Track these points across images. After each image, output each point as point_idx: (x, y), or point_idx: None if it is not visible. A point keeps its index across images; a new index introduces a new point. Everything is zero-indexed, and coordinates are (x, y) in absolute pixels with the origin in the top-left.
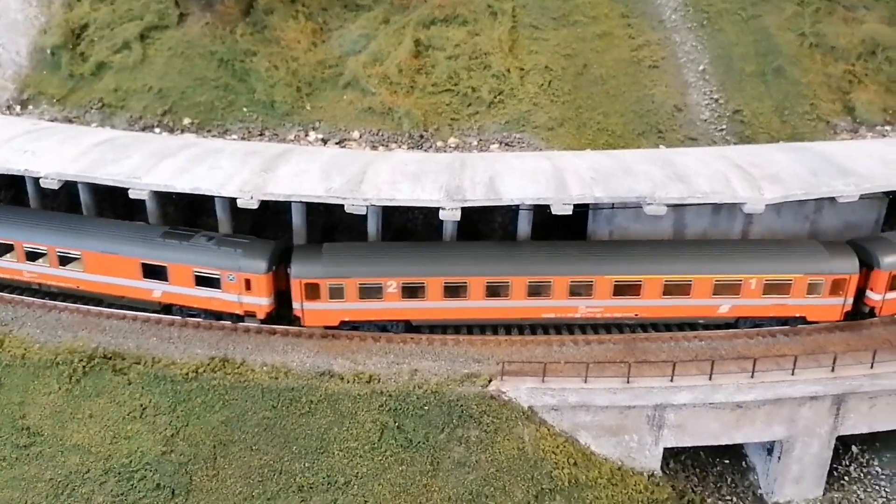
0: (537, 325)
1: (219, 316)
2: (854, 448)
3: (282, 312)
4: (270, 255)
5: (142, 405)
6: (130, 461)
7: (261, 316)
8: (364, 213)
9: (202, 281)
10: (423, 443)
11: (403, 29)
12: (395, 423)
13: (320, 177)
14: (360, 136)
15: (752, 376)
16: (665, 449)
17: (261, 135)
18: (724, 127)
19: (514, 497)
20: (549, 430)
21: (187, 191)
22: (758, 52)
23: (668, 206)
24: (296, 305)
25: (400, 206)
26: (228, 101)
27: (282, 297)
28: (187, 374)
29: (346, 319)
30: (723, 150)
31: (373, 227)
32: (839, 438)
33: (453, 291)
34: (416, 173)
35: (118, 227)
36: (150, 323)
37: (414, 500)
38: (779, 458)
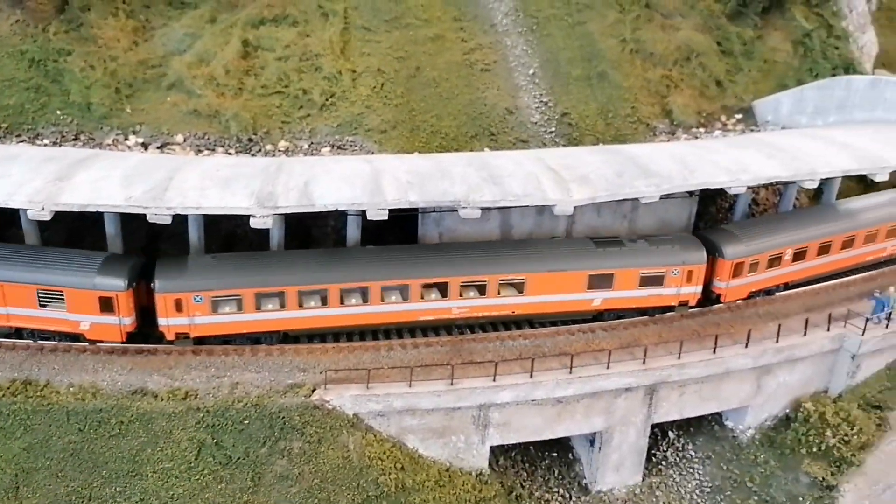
0: (366, 332)
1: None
2: (671, 434)
3: None
4: (702, 246)
5: None
6: None
7: (692, 303)
8: (169, 222)
9: (646, 281)
10: (244, 458)
11: (231, 28)
12: (213, 439)
13: (122, 184)
14: (185, 140)
15: (570, 372)
16: (494, 447)
17: (76, 139)
18: (553, 129)
19: None
20: (375, 436)
21: None
22: (583, 57)
23: (483, 208)
24: (721, 285)
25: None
26: (40, 103)
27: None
28: None
29: (753, 290)
30: (538, 153)
31: (194, 235)
32: (657, 425)
33: (823, 251)
34: (227, 179)
35: (554, 246)
36: None
37: None
38: (599, 448)
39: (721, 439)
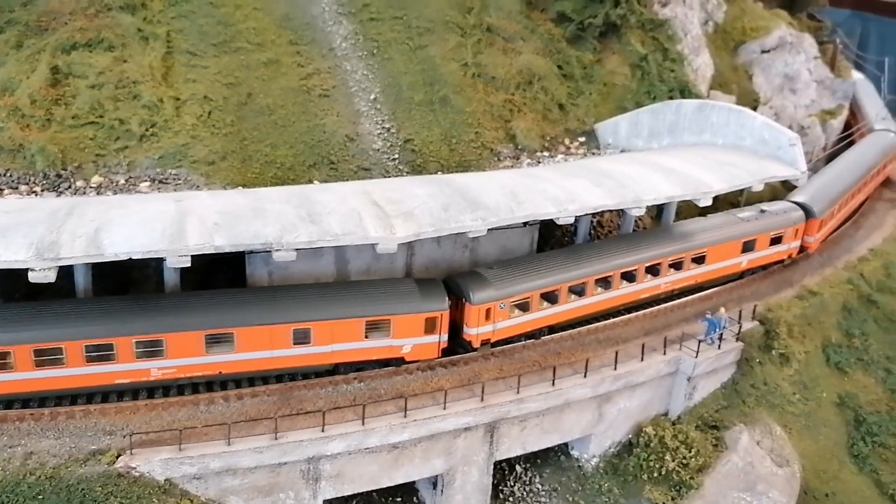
0: (184, 385)
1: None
2: (518, 468)
3: None
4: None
5: None
6: None
7: (793, 256)
8: None
9: (774, 240)
10: None
11: (39, 54)
12: None
13: None
14: None
15: (405, 416)
16: (329, 500)
17: None
18: (396, 156)
19: None
20: (192, 501)
21: None
22: (425, 82)
23: (299, 249)
24: (810, 239)
25: None
26: None
27: None
28: None
29: (822, 241)
30: (365, 186)
31: None
32: (504, 461)
33: (844, 204)
34: (4, 227)
35: (719, 224)
36: None
37: None
38: (442, 490)
39: (567, 470)
